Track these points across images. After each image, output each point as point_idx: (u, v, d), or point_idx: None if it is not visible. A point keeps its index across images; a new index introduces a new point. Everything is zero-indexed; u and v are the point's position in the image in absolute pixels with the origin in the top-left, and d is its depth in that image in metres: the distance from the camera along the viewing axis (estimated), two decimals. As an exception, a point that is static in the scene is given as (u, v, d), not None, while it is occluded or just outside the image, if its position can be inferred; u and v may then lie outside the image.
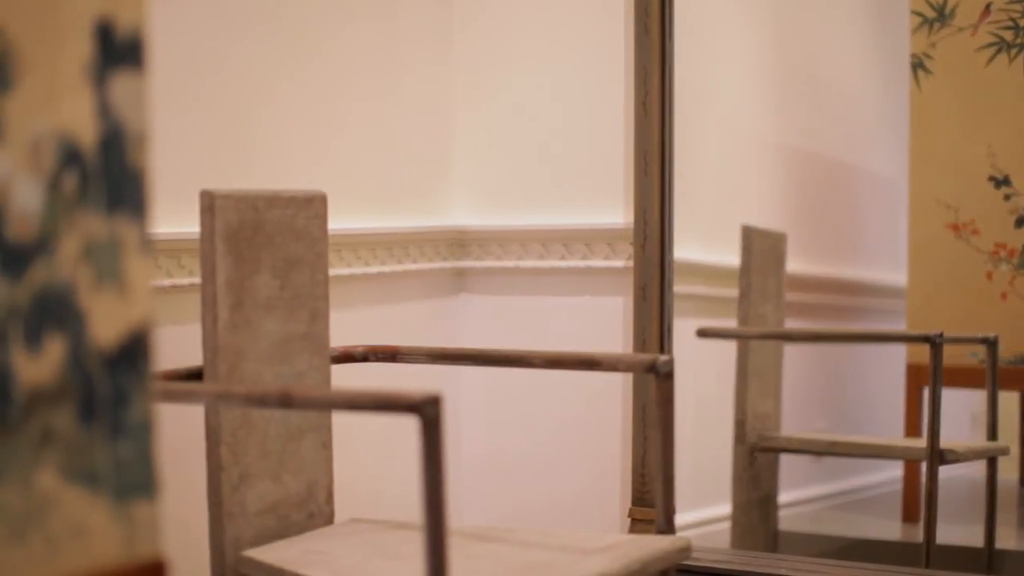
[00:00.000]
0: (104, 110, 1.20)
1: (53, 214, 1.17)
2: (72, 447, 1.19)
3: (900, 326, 3.53)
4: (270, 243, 2.35)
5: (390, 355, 2.61)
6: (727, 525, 3.42)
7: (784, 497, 3.56)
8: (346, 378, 2.69)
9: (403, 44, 3.27)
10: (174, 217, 2.53)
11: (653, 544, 2.23)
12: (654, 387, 2.35)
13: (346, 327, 2.91)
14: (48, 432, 1.17)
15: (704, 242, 3.45)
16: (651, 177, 3.10)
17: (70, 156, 1.18)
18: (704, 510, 3.36)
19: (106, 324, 1.21)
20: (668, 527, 2.36)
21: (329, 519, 2.47)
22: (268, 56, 2.93)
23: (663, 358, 2.34)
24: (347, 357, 2.60)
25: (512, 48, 3.38)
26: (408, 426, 3.05)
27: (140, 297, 1.22)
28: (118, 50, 1.21)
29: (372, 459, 3.15)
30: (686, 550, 2.27)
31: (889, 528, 3.61)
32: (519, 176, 3.39)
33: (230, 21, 2.85)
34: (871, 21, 3.85)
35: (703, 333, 3.37)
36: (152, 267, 1.22)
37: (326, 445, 2.45)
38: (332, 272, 2.87)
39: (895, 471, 3.62)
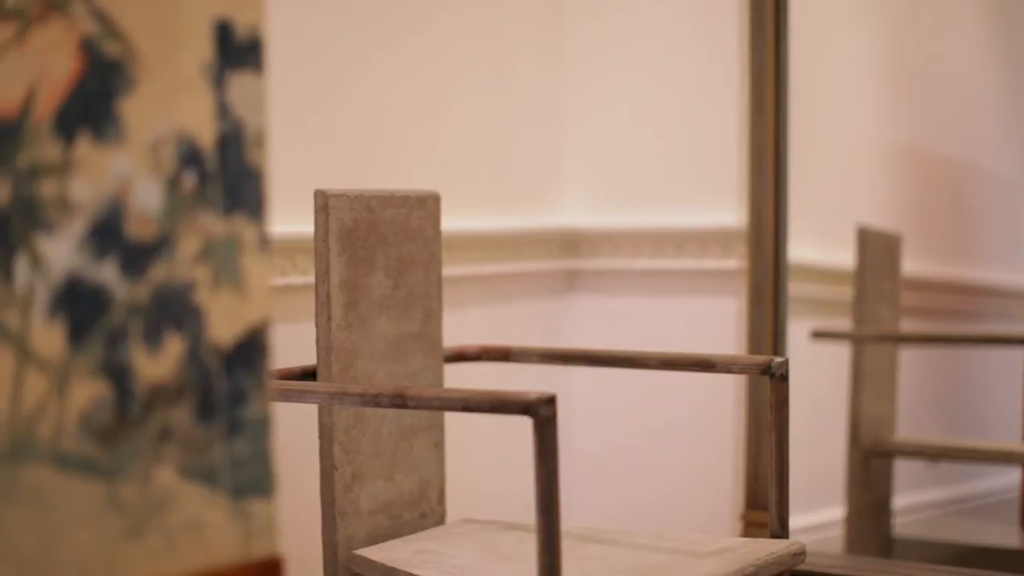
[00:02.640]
0: (223, 110, 1.21)
1: (172, 214, 1.18)
2: (190, 444, 1.20)
3: (1019, 328, 3.47)
4: (384, 243, 2.36)
5: (503, 355, 2.61)
6: (840, 530, 3.38)
7: (899, 502, 3.51)
8: (455, 377, 2.69)
9: (515, 43, 3.27)
10: (288, 216, 2.55)
11: (767, 548, 2.21)
12: (769, 389, 2.33)
13: (457, 327, 2.92)
14: (167, 429, 1.18)
15: (817, 243, 3.42)
16: (765, 177, 3.07)
17: (189, 156, 1.19)
18: (816, 514, 3.32)
19: (224, 323, 1.21)
20: (782, 531, 2.33)
21: (441, 519, 2.47)
22: (381, 56, 2.94)
23: (778, 360, 2.32)
24: (460, 357, 2.60)
25: (625, 47, 3.36)
26: (519, 426, 3.05)
27: (257, 296, 1.23)
28: (237, 51, 1.22)
29: (482, 459, 3.15)
30: (800, 554, 2.24)
31: (1007, 535, 3.55)
32: (631, 176, 3.37)
33: (344, 21, 2.87)
34: (991, 18, 3.79)
35: (818, 335, 3.34)
36: (270, 266, 1.23)
37: (438, 445, 2.45)
38: (444, 272, 2.87)
39: (1013, 477, 3.55)
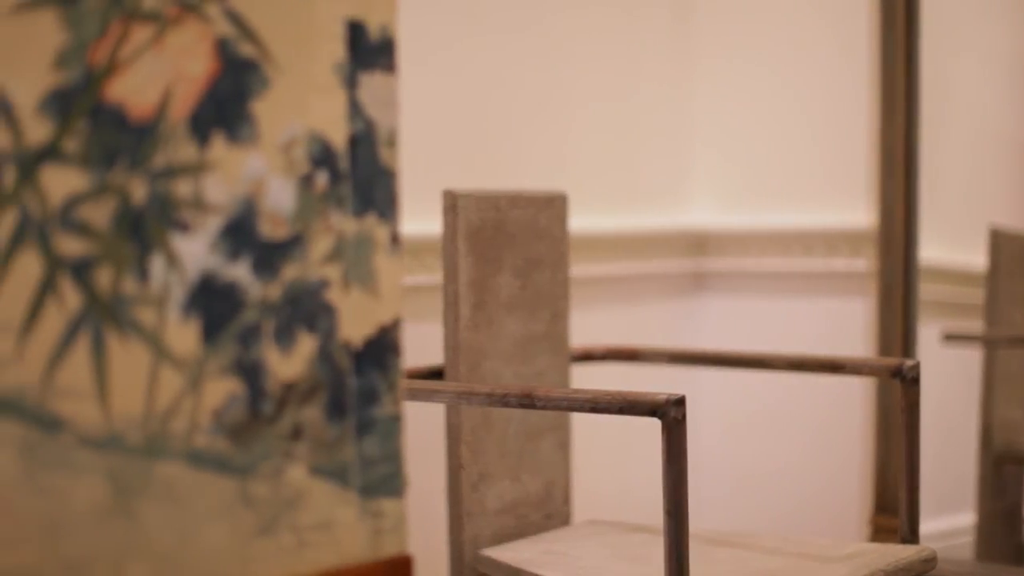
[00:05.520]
0: (355, 110, 1.22)
1: (305, 213, 1.19)
2: (321, 442, 1.21)
3: None
4: (511, 243, 2.36)
5: (630, 356, 2.60)
6: (970, 536, 3.33)
7: (1032, 508, 3.45)
8: (578, 378, 2.69)
9: (643, 43, 3.26)
10: (415, 216, 2.56)
11: (897, 553, 2.18)
12: (899, 392, 2.30)
13: (583, 327, 2.91)
14: (298, 427, 1.19)
15: (949, 243, 3.36)
16: (896, 176, 3.03)
17: (322, 156, 1.20)
18: (946, 519, 3.28)
19: (355, 322, 1.22)
20: (912, 536, 2.30)
21: (566, 520, 2.47)
22: (509, 56, 2.95)
23: (909, 363, 2.29)
24: (587, 357, 2.59)
25: (753, 45, 3.34)
26: (645, 426, 3.04)
27: (389, 296, 1.24)
28: (368, 51, 1.23)
29: (607, 459, 3.15)
30: (931, 561, 2.21)
31: None
32: (759, 175, 3.35)
33: (473, 22, 2.87)
34: None
35: (950, 337, 3.29)
36: (401, 266, 1.24)
37: (564, 445, 2.45)
38: (571, 272, 2.87)
39: None
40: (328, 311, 1.21)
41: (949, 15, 3.22)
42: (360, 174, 1.22)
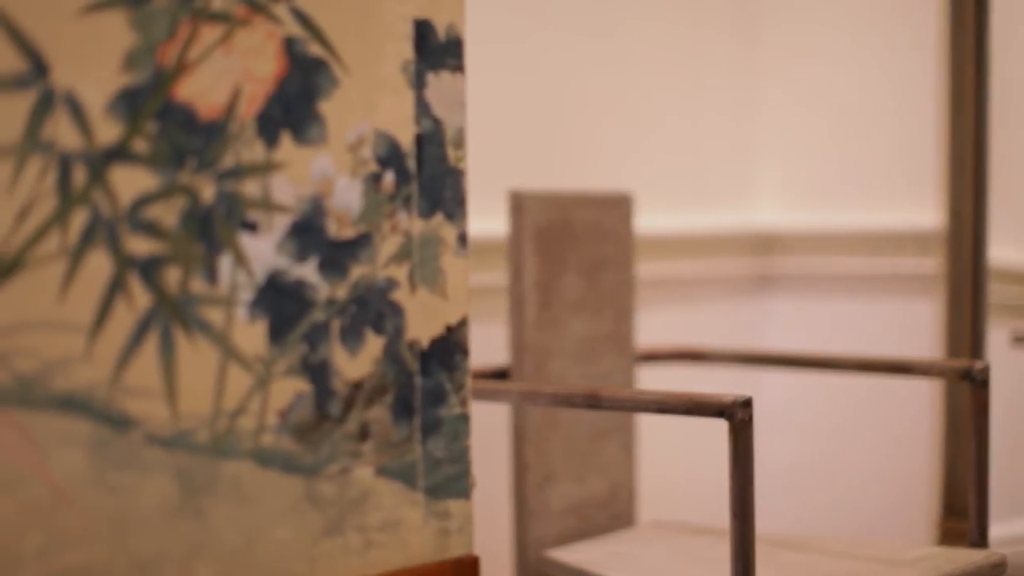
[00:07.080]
0: (422, 110, 1.22)
1: (372, 213, 1.19)
2: (388, 443, 1.21)
3: None
4: (577, 243, 2.35)
5: (696, 356, 2.59)
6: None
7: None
8: (641, 378, 2.68)
9: (708, 43, 3.24)
10: (479, 216, 2.56)
11: (966, 558, 2.15)
12: (968, 394, 2.27)
13: (648, 327, 2.90)
14: (365, 427, 1.19)
15: (1018, 243, 3.33)
16: (965, 176, 3.00)
17: (389, 156, 1.20)
18: (1015, 523, 3.24)
19: (423, 322, 1.22)
20: (981, 540, 2.27)
21: (631, 521, 2.46)
22: (576, 57, 2.94)
23: (979, 365, 2.26)
24: (652, 357, 2.58)
25: (818, 44, 3.31)
26: (709, 428, 3.03)
27: (456, 296, 1.23)
28: (436, 51, 1.23)
29: (671, 460, 3.13)
30: (1001, 565, 2.18)
31: None
32: (826, 175, 3.32)
33: (539, 22, 2.87)
34: None
35: (1020, 339, 3.25)
36: (468, 266, 1.23)
37: (629, 446, 2.44)
38: (637, 272, 2.86)
39: None
40: (395, 311, 1.20)
41: (1019, 12, 3.19)
42: (427, 174, 1.22)
